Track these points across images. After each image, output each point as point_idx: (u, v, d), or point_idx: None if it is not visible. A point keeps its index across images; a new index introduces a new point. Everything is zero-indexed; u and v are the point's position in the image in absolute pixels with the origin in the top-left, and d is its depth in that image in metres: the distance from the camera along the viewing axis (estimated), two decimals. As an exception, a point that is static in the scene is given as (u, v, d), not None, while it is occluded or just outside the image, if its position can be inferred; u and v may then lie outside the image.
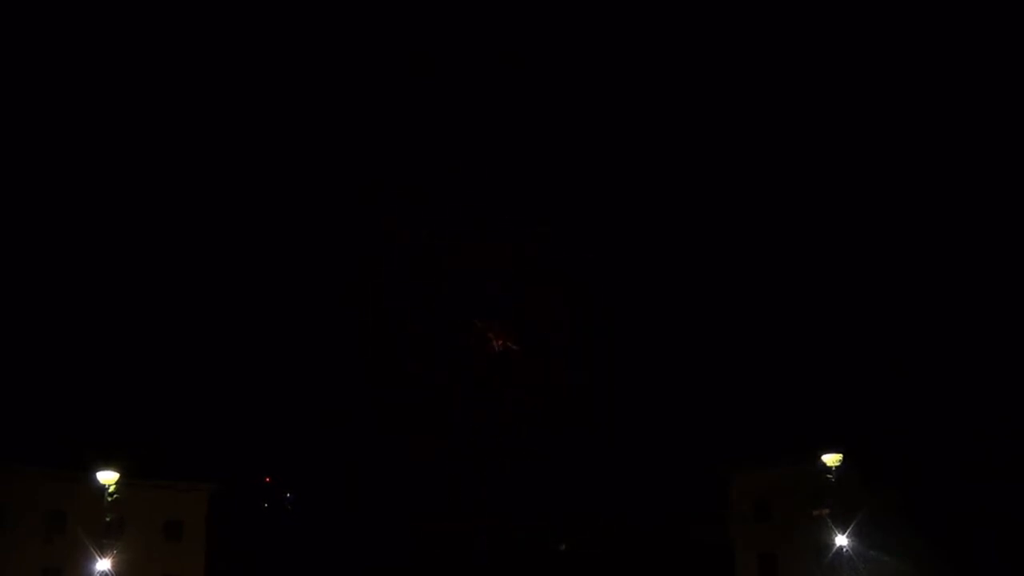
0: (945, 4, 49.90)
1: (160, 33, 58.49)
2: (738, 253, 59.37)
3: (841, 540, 37.14)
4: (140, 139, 60.62)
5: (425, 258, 63.46)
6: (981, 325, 46.20)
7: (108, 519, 33.91)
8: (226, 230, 62.61)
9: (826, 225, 55.41)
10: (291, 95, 64.85)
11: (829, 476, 33.84)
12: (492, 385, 64.05)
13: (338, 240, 64.72)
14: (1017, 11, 46.82)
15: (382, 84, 64.32)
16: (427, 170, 64.55)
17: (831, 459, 33.41)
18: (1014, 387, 43.07)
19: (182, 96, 61.18)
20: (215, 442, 55.65)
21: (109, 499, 32.70)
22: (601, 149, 64.75)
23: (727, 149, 60.97)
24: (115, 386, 53.65)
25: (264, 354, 61.47)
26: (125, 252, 58.94)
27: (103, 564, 35.25)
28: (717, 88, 60.87)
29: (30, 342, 52.59)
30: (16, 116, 53.86)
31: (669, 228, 62.36)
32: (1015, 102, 47.91)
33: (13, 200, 53.67)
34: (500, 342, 62.25)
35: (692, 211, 61.82)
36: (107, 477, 32.32)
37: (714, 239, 60.62)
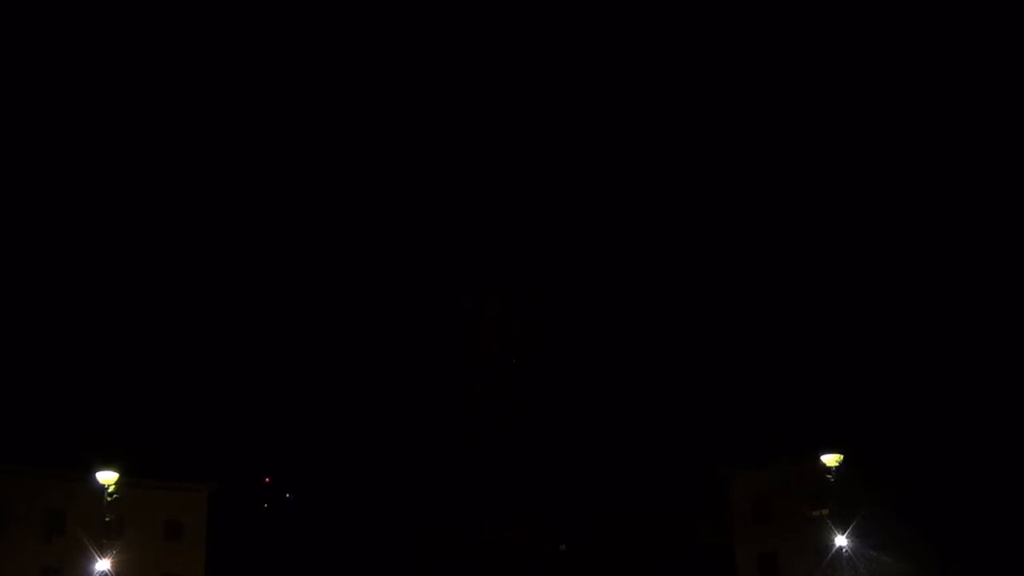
0: (945, 4, 49.94)
1: (160, 33, 58.53)
2: (737, 253, 59.43)
3: (841, 540, 37.12)
4: (140, 139, 60.68)
5: (425, 258, 63.53)
6: (980, 325, 46.23)
7: (108, 519, 33.83)
8: (226, 230, 62.68)
9: (826, 225, 55.47)
10: (290, 95, 64.89)
11: (829, 476, 33.80)
12: (492, 385, 64.04)
13: (338, 239, 64.79)
14: (1017, 11, 46.85)
15: (382, 85, 64.37)
16: (425, 170, 64.62)
17: (831, 459, 33.38)
18: (1014, 387, 43.09)
19: (182, 96, 61.22)
20: (215, 442, 55.71)
21: (109, 499, 32.62)
22: (598, 147, 64.83)
23: (725, 149, 61.06)
24: (115, 386, 53.71)
25: (264, 354, 61.54)
26: (125, 252, 59.03)
27: (103, 564, 35.17)
28: (720, 86, 60.90)
29: (30, 342, 52.66)
30: (16, 116, 53.92)
31: (671, 228, 62.43)
32: (1015, 102, 47.94)
33: (13, 200, 53.74)
34: (504, 343, 62.27)
35: (694, 212, 61.91)
36: (107, 477, 32.22)
37: (715, 239, 60.69)
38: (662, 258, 62.18)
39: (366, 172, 65.01)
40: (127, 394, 53.83)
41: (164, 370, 57.11)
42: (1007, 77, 48.35)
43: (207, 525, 51.33)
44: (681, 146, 61.90)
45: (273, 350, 62.04)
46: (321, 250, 64.32)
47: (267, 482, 65.17)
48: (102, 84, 58.68)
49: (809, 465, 38.24)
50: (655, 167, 62.76)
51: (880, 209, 52.99)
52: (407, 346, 63.55)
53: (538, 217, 64.71)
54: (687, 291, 60.47)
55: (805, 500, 45.76)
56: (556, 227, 64.26)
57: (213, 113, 62.28)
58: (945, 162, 50.77)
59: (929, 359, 46.31)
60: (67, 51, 57.00)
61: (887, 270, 51.67)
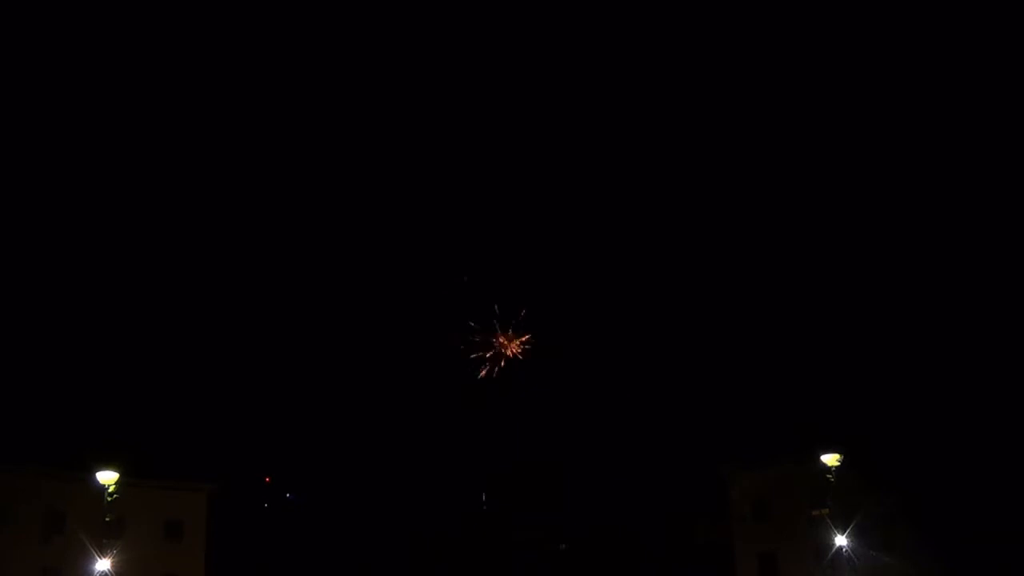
0: (945, 4, 49.92)
1: (160, 33, 58.48)
2: (738, 253, 59.42)
3: (841, 540, 37.11)
4: (140, 139, 60.61)
5: (426, 260, 63.58)
6: (981, 325, 46.21)
7: (108, 519, 33.80)
8: (226, 230, 62.64)
9: (826, 225, 55.46)
10: (291, 97, 64.84)
11: (829, 476, 33.81)
12: (492, 385, 64.08)
13: (338, 241, 64.79)
14: (1017, 11, 46.84)
15: (382, 87, 64.36)
16: (429, 172, 64.65)
17: (831, 459, 33.39)
18: (1014, 387, 43.08)
19: (182, 96, 61.16)
20: (215, 442, 55.71)
21: (109, 499, 32.61)
22: (599, 148, 64.81)
23: (725, 149, 61.00)
24: (115, 386, 53.70)
25: (263, 354, 61.53)
26: (125, 252, 58.99)
27: (103, 564, 35.18)
28: (720, 86, 60.87)
29: (30, 342, 52.63)
30: (16, 116, 53.89)
31: (671, 229, 62.44)
32: (1015, 102, 47.92)
33: (13, 200, 53.71)
34: (508, 345, 62.39)
35: (694, 211, 61.89)
36: (107, 477, 32.22)
37: (715, 239, 60.68)
38: (663, 259, 62.26)
39: (367, 173, 64.98)
40: (127, 394, 53.85)
41: (164, 370, 57.13)
42: (1007, 77, 48.35)
43: (207, 525, 51.34)
44: (681, 146, 61.87)
45: (273, 350, 62.09)
46: (321, 251, 64.31)
47: (267, 482, 65.18)
48: (102, 84, 58.61)
49: (809, 465, 38.25)
50: (655, 168, 62.76)
51: (880, 209, 53.00)
52: (407, 346, 63.62)
53: (537, 218, 64.76)
54: (687, 292, 60.53)
55: (805, 500, 45.74)
56: (555, 229, 64.34)
57: (213, 113, 62.21)
58: (945, 162, 50.77)
59: (929, 359, 46.33)
60: (67, 51, 56.96)
61: (887, 270, 51.70)
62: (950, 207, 49.71)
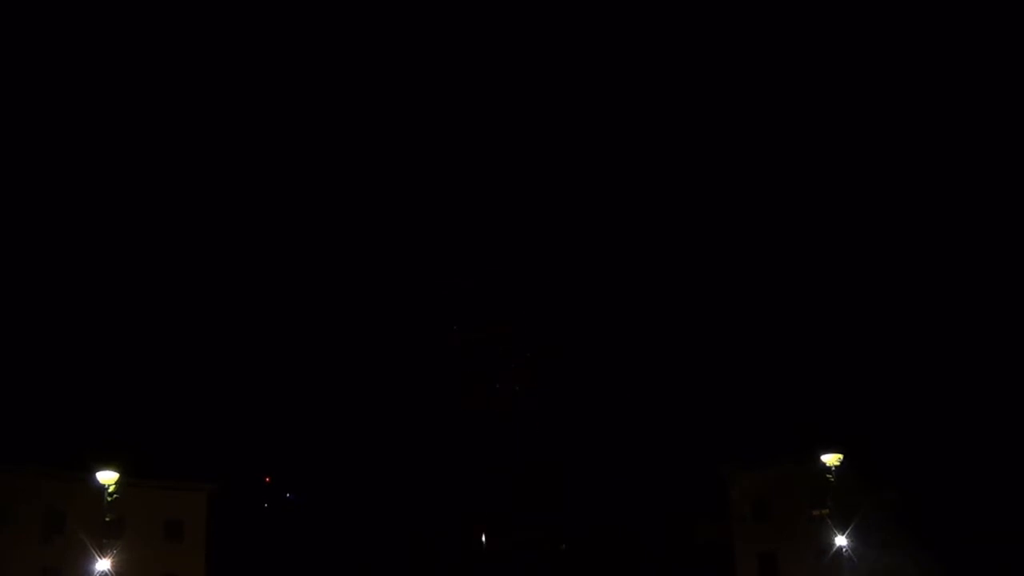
0: (945, 4, 49.94)
1: (160, 33, 58.51)
2: (738, 253, 59.42)
3: (841, 540, 37.13)
4: (140, 139, 60.65)
5: (428, 260, 63.62)
6: (981, 325, 46.22)
7: (108, 519, 33.83)
8: (226, 230, 62.65)
9: (826, 225, 55.47)
10: (290, 98, 64.88)
11: (829, 476, 33.84)
12: (492, 385, 64.10)
13: (339, 241, 64.82)
14: (1017, 11, 46.86)
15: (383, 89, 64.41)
16: (433, 172, 64.73)
17: (831, 459, 33.42)
18: (1013, 387, 43.10)
19: (182, 96, 61.19)
20: (215, 442, 55.69)
21: (109, 499, 32.64)
22: (601, 149, 64.85)
23: (725, 149, 61.03)
24: (115, 386, 53.68)
25: (263, 354, 61.52)
26: (125, 252, 58.99)
27: (103, 564, 35.21)
28: (720, 86, 60.90)
29: (30, 342, 52.62)
30: (16, 116, 53.90)
31: (671, 227, 62.45)
32: (1015, 102, 47.94)
33: (13, 200, 53.71)
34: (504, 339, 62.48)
35: (694, 211, 61.90)
36: (107, 477, 32.27)
37: (715, 239, 60.70)
38: (663, 259, 62.26)
39: (368, 172, 65.04)
40: (127, 394, 53.83)
41: (164, 370, 57.11)
42: (1007, 77, 48.36)
43: (207, 525, 51.34)
44: (681, 147, 61.91)
45: (272, 350, 62.08)
46: (321, 251, 64.33)
47: (267, 482, 65.17)
48: (102, 84, 58.63)
49: (809, 465, 38.28)
50: (654, 167, 62.80)
51: (880, 209, 53.02)
52: (407, 346, 63.64)
53: (537, 219, 64.79)
54: (687, 292, 60.54)
55: (805, 500, 45.77)
56: (555, 229, 64.36)
57: (213, 113, 62.23)
58: (945, 162, 50.79)
59: (929, 359, 46.35)
60: (67, 51, 56.98)
61: (887, 270, 51.70)
62: (950, 207, 49.76)
